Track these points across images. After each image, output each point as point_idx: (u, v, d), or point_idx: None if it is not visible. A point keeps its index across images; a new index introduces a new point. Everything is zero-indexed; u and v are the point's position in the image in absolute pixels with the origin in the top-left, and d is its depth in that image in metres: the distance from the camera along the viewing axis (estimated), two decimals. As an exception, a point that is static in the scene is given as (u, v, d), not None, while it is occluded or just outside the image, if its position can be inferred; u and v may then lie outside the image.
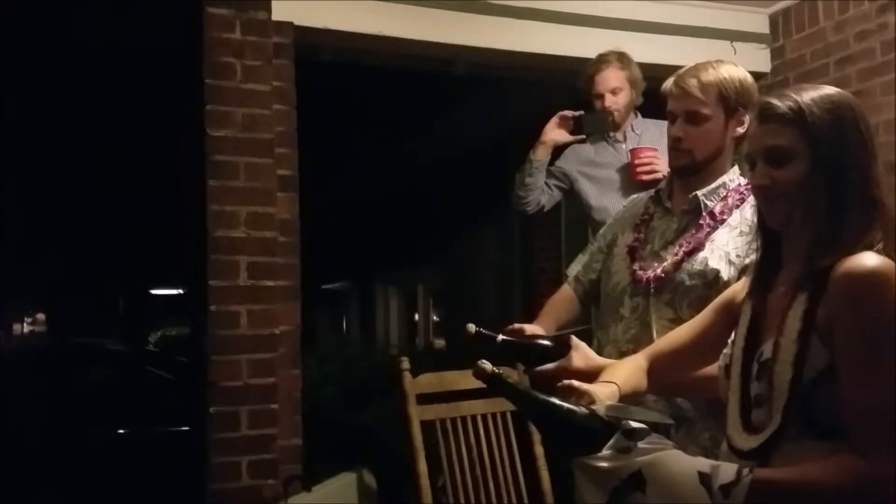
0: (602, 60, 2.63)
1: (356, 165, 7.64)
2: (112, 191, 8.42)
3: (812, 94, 1.13)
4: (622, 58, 2.63)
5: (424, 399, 2.24)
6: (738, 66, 1.67)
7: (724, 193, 1.67)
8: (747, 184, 1.69)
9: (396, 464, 2.53)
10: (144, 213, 9.16)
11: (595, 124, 2.65)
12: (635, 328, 1.67)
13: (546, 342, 1.55)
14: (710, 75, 1.63)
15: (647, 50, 2.91)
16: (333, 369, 3.99)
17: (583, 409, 1.03)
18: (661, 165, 2.42)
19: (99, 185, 8.22)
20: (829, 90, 1.15)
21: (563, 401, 1.05)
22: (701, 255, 1.63)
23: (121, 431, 5.00)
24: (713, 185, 1.68)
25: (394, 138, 6.64)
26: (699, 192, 1.67)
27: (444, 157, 6.47)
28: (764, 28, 3.34)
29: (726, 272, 1.60)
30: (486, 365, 1.07)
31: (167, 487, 3.65)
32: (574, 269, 1.98)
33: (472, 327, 1.57)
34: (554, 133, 2.66)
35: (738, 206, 1.66)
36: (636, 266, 1.70)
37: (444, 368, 2.36)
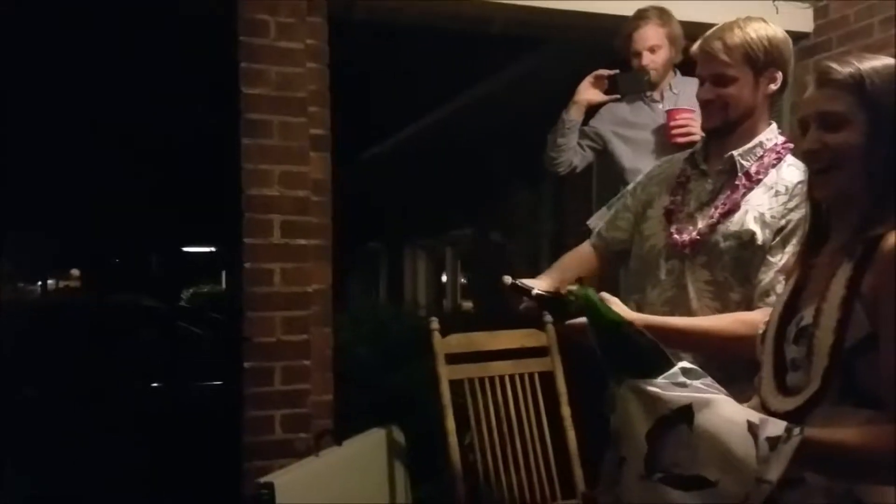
0: (641, 17, 2.56)
1: (389, 129, 7.63)
2: (146, 149, 8.51)
3: (874, 63, 1.12)
4: (662, 14, 2.56)
5: (453, 359, 2.27)
6: (769, 22, 1.63)
7: (761, 153, 1.64)
8: (784, 142, 1.66)
9: (425, 422, 2.57)
10: (178, 171, 9.25)
11: (631, 84, 2.60)
12: (671, 291, 1.66)
13: None
14: (735, 37, 1.59)
15: (688, 7, 2.83)
16: (365, 330, 4.03)
17: (650, 337, 1.08)
18: (697, 128, 2.37)
19: (133, 144, 8.31)
20: (892, 61, 1.14)
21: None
22: (737, 216, 1.61)
23: (154, 385, 5.13)
24: (750, 145, 1.65)
25: (426, 102, 6.60)
26: (735, 153, 1.65)
27: (474, 121, 6.43)
28: (807, -13, 3.24)
29: (761, 234, 1.58)
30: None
31: (202, 440, 3.74)
32: (597, 223, 1.96)
33: (507, 279, 1.61)
34: (588, 93, 2.61)
35: (774, 166, 1.63)
36: (673, 229, 1.68)
37: (471, 330, 2.39)
